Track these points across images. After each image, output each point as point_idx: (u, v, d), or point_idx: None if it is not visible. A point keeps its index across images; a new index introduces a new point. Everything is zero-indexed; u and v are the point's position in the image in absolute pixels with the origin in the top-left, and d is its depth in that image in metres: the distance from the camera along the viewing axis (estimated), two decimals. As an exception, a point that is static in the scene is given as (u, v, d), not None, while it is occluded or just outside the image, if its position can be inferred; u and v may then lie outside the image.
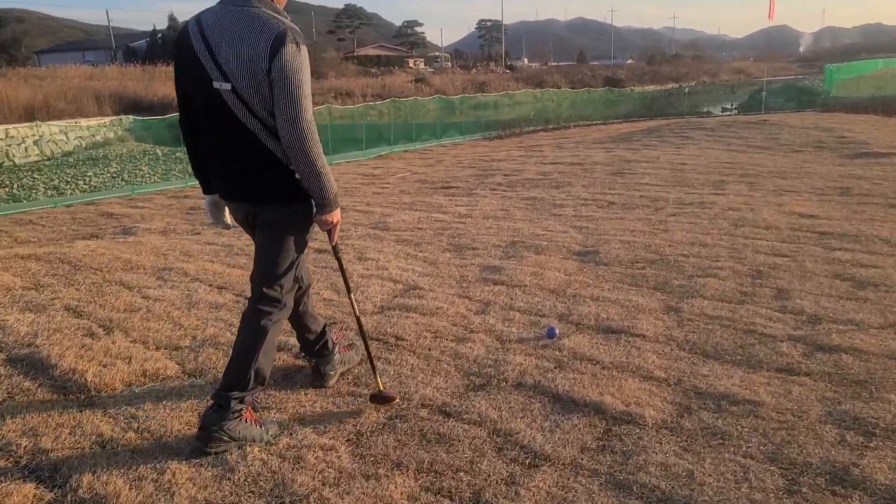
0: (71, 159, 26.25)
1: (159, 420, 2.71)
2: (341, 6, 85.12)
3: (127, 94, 36.47)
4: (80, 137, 29.72)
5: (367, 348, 2.97)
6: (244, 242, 5.91)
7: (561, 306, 4.15)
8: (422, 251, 5.60)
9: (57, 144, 28.44)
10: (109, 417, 2.71)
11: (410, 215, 7.14)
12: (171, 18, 60.48)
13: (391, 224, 6.70)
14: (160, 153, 27.37)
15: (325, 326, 3.14)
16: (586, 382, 3.12)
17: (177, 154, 26.59)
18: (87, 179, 20.05)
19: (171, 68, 43.90)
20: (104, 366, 3.11)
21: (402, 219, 6.96)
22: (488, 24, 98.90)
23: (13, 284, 4.32)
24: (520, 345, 3.57)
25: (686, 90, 40.95)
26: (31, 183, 19.74)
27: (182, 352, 3.37)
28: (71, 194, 15.92)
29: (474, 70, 61.16)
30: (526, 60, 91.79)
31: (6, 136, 26.51)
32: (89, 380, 2.96)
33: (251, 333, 2.58)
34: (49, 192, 17.71)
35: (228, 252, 5.60)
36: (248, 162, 2.47)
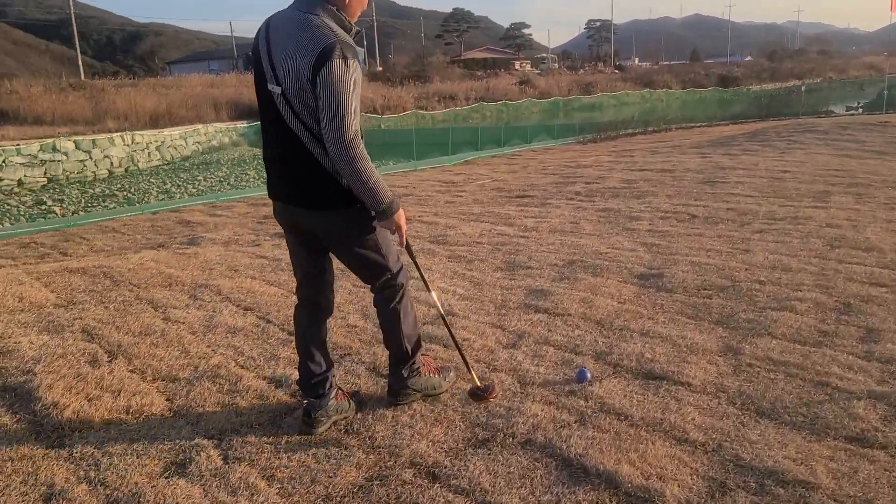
0: (187, 164, 27.64)
1: (119, 470, 2.49)
2: (450, 10, 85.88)
3: (243, 100, 38.02)
4: (198, 143, 31.29)
5: (456, 344, 2.98)
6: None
7: (603, 342, 3.68)
8: (471, 269, 5.24)
9: (177, 149, 30.04)
10: (70, 464, 2.52)
11: (474, 228, 6.79)
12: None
13: (450, 238, 6.37)
14: (268, 157, 28.41)
15: (330, 367, 2.88)
16: (606, 444, 2.65)
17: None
18: (196, 183, 20.98)
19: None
20: (89, 399, 2.95)
21: (464, 232, 6.61)
22: (597, 23, 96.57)
23: (46, 301, 4.32)
24: (542, 389, 3.14)
25: (804, 88, 38.18)
26: (146, 187, 20.88)
27: (177, 384, 3.17)
28: (180, 198, 16.64)
29: (581, 71, 59.87)
30: (636, 60, 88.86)
31: (132, 142, 28.22)
32: (67, 416, 2.80)
33: (388, 318, 2.85)
34: (160, 196, 18.64)
35: (275, 267, 5.45)
36: (296, 166, 2.52)
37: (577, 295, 4.45)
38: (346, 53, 2.32)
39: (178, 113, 33.63)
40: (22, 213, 17.52)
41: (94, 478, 2.45)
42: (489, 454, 2.63)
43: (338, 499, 2.38)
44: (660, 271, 4.90)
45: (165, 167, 27.46)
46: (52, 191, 21.76)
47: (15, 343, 3.53)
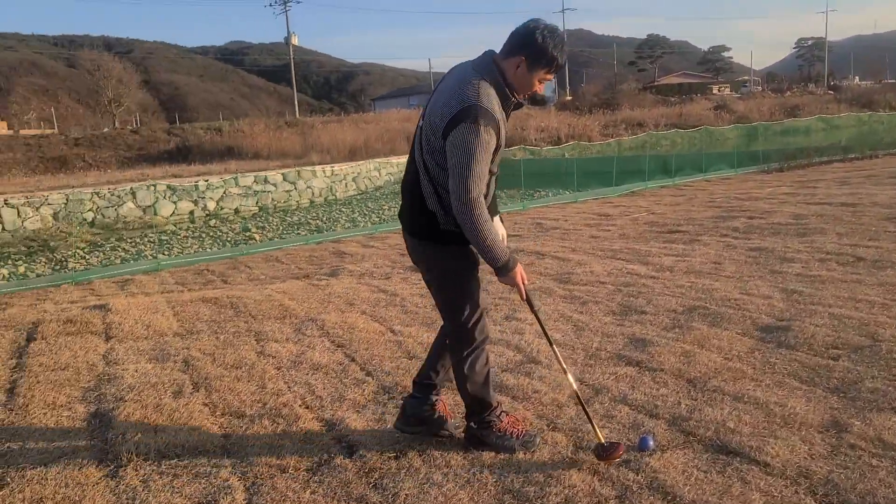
0: (378, 193, 29.32)
1: None
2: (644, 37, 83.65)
3: (432, 133, 39.75)
4: (390, 173, 33.06)
5: (580, 402, 2.92)
6: (415, 291, 5.84)
7: (686, 405, 3.29)
8: (581, 312, 4.97)
9: (371, 180, 31.97)
10: (112, 494, 2.64)
11: (605, 266, 6.46)
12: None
13: (575, 276, 6.11)
14: (451, 187, 29.36)
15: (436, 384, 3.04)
16: (635, 526, 2.36)
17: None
18: (381, 213, 22.17)
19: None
20: (156, 431, 3.13)
21: (593, 269, 6.31)
22: (808, 42, 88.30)
23: (168, 330, 4.74)
24: (586, 459, 2.86)
25: None
26: (336, 216, 22.42)
27: (240, 421, 3.28)
28: (363, 226, 17.66)
29: (788, 93, 55.22)
30: (856, 79, 79.86)
31: (332, 173, 30.50)
32: (130, 446, 2.96)
33: (454, 367, 2.90)
34: (346, 224, 19.91)
35: (390, 302, 5.56)
36: (412, 196, 2.75)
37: (681, 347, 4.04)
38: (479, 119, 2.47)
39: (374, 146, 35.84)
40: (229, 238, 19.56)
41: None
42: (506, 524, 2.45)
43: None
44: (788, 324, 4.32)
45: (359, 197, 29.29)
46: (258, 219, 24.02)
47: (123, 370, 3.89)
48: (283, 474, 2.75)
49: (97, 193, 24.82)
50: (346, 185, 30.64)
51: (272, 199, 27.75)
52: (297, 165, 30.56)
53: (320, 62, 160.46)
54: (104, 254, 17.98)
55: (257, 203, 27.35)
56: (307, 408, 3.42)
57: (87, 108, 79.04)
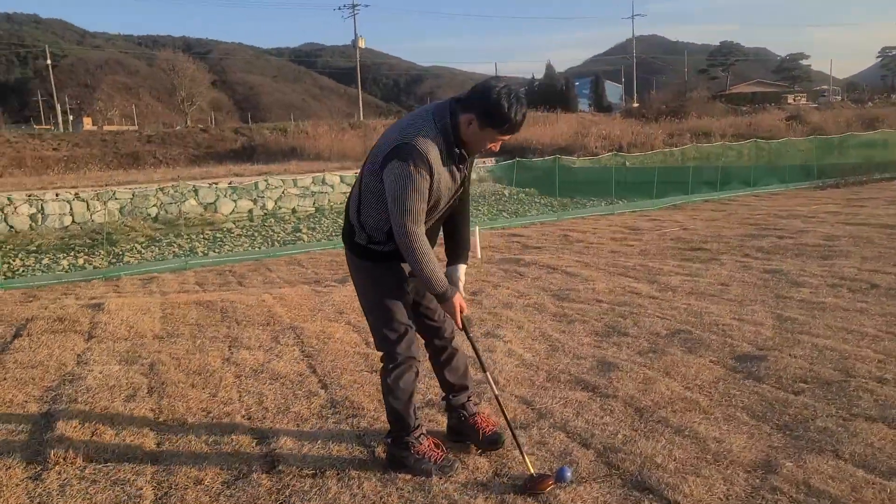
0: (432, 198, 29.47)
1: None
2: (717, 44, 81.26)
3: (493, 138, 39.63)
4: (447, 178, 33.22)
5: (510, 428, 2.92)
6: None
7: (623, 435, 3.20)
8: (563, 332, 4.90)
9: (425, 184, 32.21)
10: (26, 496, 2.74)
11: (609, 283, 6.34)
12: (549, 67, 64.31)
13: (574, 294, 6.02)
14: (507, 193, 29.26)
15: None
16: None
17: (520, 195, 28.14)
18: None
19: (539, 113, 46.65)
20: (93, 435, 3.21)
21: (595, 287, 6.21)
22: (893, 52, 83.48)
23: (150, 331, 4.88)
24: (506, 483, 2.83)
25: None
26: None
27: (179, 428, 3.33)
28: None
29: (869, 103, 52.66)
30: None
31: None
32: (63, 449, 3.00)
33: (382, 384, 2.95)
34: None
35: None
36: (346, 207, 2.93)
37: (644, 374, 3.94)
38: (409, 159, 2.55)
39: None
40: (279, 237, 20.02)
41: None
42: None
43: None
44: (765, 353, 4.16)
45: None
46: (312, 220, 24.46)
47: (89, 371, 4.04)
48: (198, 486, 2.80)
49: (161, 190, 25.79)
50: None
51: (329, 201, 28.25)
52: (355, 167, 30.99)
53: (391, 65, 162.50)
54: (159, 249, 18.69)
55: (314, 204, 27.89)
56: (249, 419, 3.48)
57: (165, 106, 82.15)
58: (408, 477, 2.86)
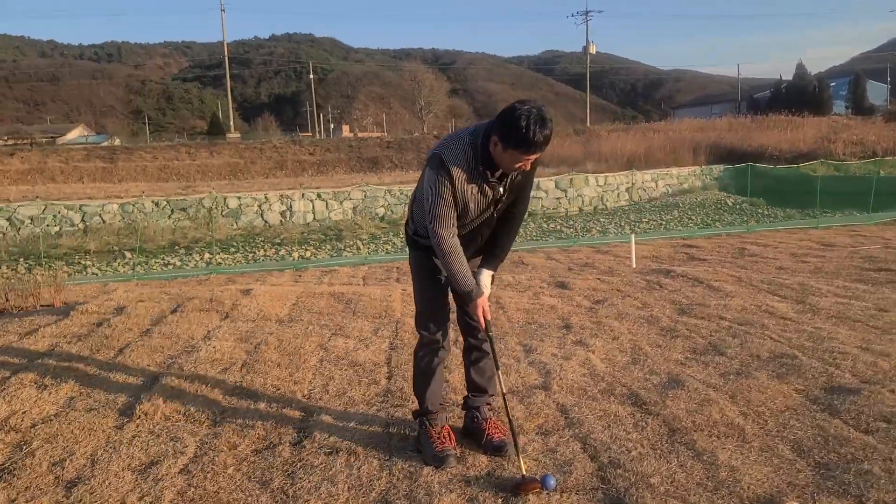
0: (649, 205, 28.55)
1: None
2: None
3: (723, 143, 37.31)
4: (668, 185, 31.88)
5: (512, 429, 3.04)
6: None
7: (637, 453, 3.10)
8: (659, 346, 4.71)
9: (645, 191, 31.21)
10: (95, 441, 3.36)
11: (747, 301, 5.89)
12: (799, 67, 58.63)
13: (699, 310, 5.69)
14: (730, 202, 27.40)
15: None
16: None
17: (743, 205, 26.23)
18: (638, 224, 21.68)
19: (780, 117, 42.93)
20: (181, 398, 3.74)
21: (727, 304, 5.81)
22: None
23: (275, 315, 5.45)
24: (484, 483, 2.91)
25: None
26: (591, 225, 22.45)
27: (244, 400, 3.82)
28: (613, 236, 17.53)
29: None
30: None
31: (605, 182, 30.43)
32: (149, 409, 3.53)
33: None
34: (582, 234, 19.88)
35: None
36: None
37: (707, 395, 3.72)
38: (434, 168, 2.83)
39: (655, 156, 34.76)
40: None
41: None
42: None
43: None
44: (864, 387, 3.71)
45: (627, 208, 28.78)
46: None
47: (207, 344, 4.68)
48: (231, 450, 3.21)
49: (389, 192, 27.91)
50: (617, 195, 30.31)
51: (542, 206, 28.55)
52: (572, 173, 30.97)
53: (630, 69, 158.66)
54: (375, 244, 20.32)
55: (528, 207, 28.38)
56: (307, 398, 3.85)
57: (411, 114, 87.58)
58: (406, 464, 3.06)
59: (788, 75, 60.81)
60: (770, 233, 11.00)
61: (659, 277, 7.20)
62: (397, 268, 9.36)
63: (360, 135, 58.84)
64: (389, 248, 19.51)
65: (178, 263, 17.35)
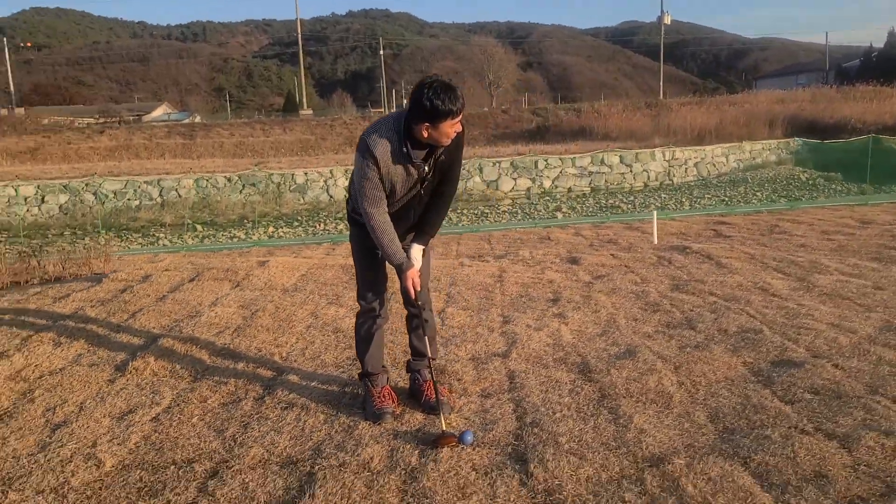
0: (717, 181, 27.81)
1: None
2: None
3: (803, 116, 35.77)
4: (739, 160, 30.91)
5: (435, 390, 3.35)
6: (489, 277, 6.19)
7: (560, 415, 3.33)
8: (636, 320, 4.87)
9: (715, 166, 30.37)
10: (92, 388, 3.87)
11: (748, 278, 5.92)
12: (892, 35, 55.06)
13: (694, 286, 5.77)
14: (804, 178, 26.38)
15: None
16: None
17: (817, 180, 25.24)
18: (700, 200, 21.23)
19: (867, 88, 40.70)
20: (172, 357, 4.22)
21: (725, 281, 5.87)
22: None
23: (281, 285, 5.81)
24: (409, 436, 3.20)
25: None
26: (651, 201, 22.10)
27: (227, 361, 4.21)
28: (674, 211, 17.35)
29: None
30: None
31: (672, 157, 29.77)
32: (140, 365, 3.99)
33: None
34: (640, 209, 19.59)
35: (471, 284, 6.03)
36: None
37: (654, 366, 3.89)
38: (361, 150, 3.07)
39: (727, 130, 33.69)
40: (539, 215, 20.76)
41: None
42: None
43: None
44: (810, 362, 3.80)
45: (694, 183, 28.13)
46: (576, 200, 24.72)
47: (211, 310, 5.14)
48: (202, 403, 3.61)
49: (451, 166, 28.19)
50: (685, 171, 29.62)
51: (605, 181, 28.26)
52: (638, 147, 30.42)
53: (713, 39, 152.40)
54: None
55: (590, 184, 28.12)
56: (284, 359, 4.19)
57: (484, 89, 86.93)
58: (348, 419, 3.39)
59: (880, 43, 57.30)
60: (815, 209, 10.73)
61: (672, 254, 7.24)
62: (445, 243, 9.68)
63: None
64: (445, 223, 19.80)
65: (243, 236, 18.21)
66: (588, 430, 3.15)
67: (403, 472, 2.85)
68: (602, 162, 29.14)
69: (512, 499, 2.63)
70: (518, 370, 3.94)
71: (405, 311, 3.63)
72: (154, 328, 4.72)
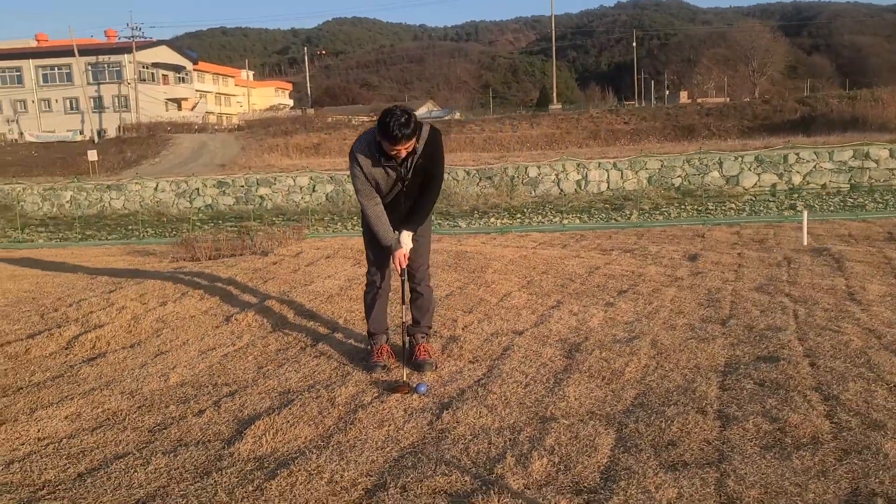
0: None
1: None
2: None
3: None
4: None
5: (404, 347, 4.13)
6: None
7: (510, 367, 3.86)
8: (651, 311, 5.06)
9: None
10: (200, 326, 5.18)
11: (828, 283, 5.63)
12: None
13: (721, 295, 5.65)
14: None
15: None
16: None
17: None
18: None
19: None
20: (261, 311, 5.47)
21: (745, 298, 5.64)
22: None
23: (305, 261, 6.85)
24: (382, 383, 3.95)
25: None
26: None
27: (292, 309, 5.33)
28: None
29: None
30: None
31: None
32: (241, 316, 5.39)
33: None
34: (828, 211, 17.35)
35: (549, 271, 6.43)
36: None
37: (636, 346, 4.19)
38: (351, 159, 3.91)
39: None
40: (769, 210, 19.41)
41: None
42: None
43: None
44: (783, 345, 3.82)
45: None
46: (837, 197, 22.49)
47: (320, 283, 6.29)
48: (263, 348, 4.78)
49: (688, 161, 27.40)
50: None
51: (869, 177, 25.37)
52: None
53: None
54: (649, 216, 20.43)
55: (850, 180, 25.44)
56: (348, 323, 5.20)
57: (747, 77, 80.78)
58: (350, 367, 4.24)
59: None
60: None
61: (802, 255, 6.96)
62: (582, 235, 10.08)
63: (699, 100, 56.66)
64: (663, 217, 19.50)
65: (463, 226, 19.74)
66: (518, 392, 3.68)
67: (351, 406, 3.66)
68: (867, 156, 26.16)
69: (413, 432, 3.31)
70: (517, 345, 4.48)
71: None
72: (272, 292, 5.99)
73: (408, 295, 4.25)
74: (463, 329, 4.86)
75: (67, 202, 28.26)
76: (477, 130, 46.99)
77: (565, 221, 18.38)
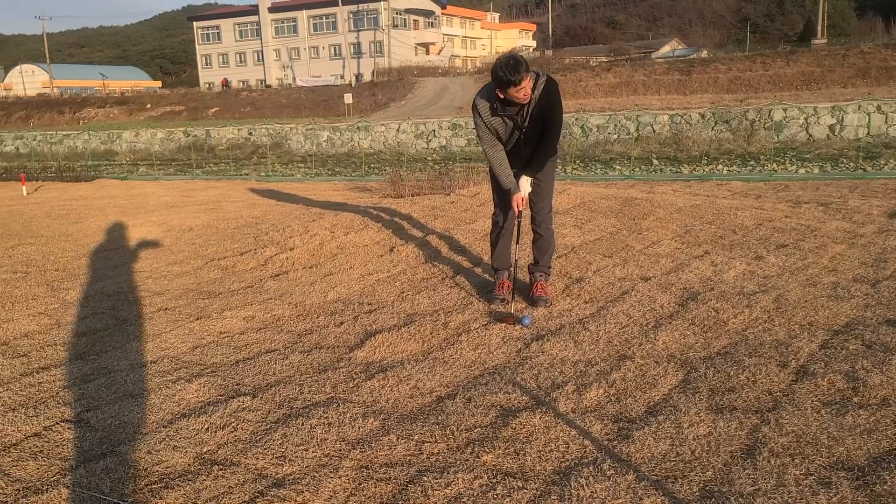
0: None
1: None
2: None
3: None
4: None
5: (512, 285, 4.53)
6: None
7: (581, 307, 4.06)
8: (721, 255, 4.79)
9: None
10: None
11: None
12: None
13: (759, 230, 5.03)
14: None
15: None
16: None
17: None
18: None
19: None
20: (313, 255, 6.06)
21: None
22: None
23: (469, 204, 7.04)
24: (493, 314, 4.35)
25: None
26: None
27: (350, 262, 5.81)
28: None
29: None
30: None
31: None
32: (287, 261, 6.02)
33: None
34: None
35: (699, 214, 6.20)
36: None
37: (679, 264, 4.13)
38: (474, 109, 4.23)
39: None
40: None
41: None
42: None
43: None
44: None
45: None
46: None
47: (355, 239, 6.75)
48: (412, 274, 5.40)
49: None
50: None
51: None
52: None
53: None
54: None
55: None
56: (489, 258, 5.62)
57: None
58: (475, 297, 4.73)
59: None
60: None
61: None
62: (784, 186, 9.38)
63: None
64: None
65: (686, 172, 18.95)
66: (611, 332, 3.90)
67: (459, 330, 4.15)
68: None
69: (500, 356, 3.72)
70: (637, 290, 4.63)
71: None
72: (438, 228, 6.60)
73: (523, 236, 4.58)
74: (594, 272, 5.08)
75: (325, 141, 31.63)
76: (723, 70, 43.56)
77: (802, 171, 16.86)
